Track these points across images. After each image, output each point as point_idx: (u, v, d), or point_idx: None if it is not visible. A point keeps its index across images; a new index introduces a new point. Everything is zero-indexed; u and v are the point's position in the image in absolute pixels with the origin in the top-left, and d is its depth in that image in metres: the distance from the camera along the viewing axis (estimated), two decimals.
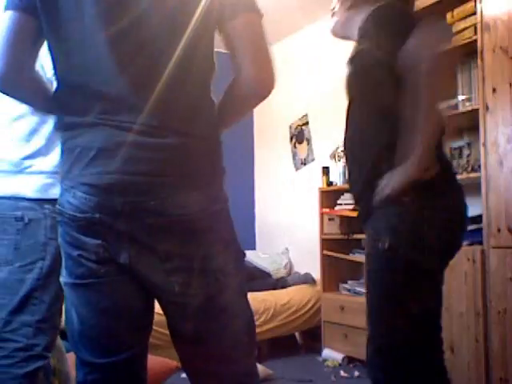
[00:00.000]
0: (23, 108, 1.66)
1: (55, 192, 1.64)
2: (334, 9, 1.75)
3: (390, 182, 1.47)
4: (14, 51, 1.17)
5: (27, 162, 1.65)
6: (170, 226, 1.11)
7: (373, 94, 1.55)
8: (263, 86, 1.15)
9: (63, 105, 1.18)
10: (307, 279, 4.24)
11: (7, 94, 1.26)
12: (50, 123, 1.66)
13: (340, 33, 1.76)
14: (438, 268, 1.57)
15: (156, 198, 1.09)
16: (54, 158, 1.65)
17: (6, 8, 1.19)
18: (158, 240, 1.12)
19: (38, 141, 1.65)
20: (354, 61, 1.63)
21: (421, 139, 1.43)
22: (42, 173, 1.64)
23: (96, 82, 1.11)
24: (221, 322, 1.19)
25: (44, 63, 1.66)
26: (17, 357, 1.58)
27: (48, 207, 1.63)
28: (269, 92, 1.15)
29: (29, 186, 1.63)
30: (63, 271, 1.23)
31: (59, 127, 1.20)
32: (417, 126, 1.43)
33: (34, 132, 1.66)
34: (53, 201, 1.63)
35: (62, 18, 1.13)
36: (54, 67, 1.19)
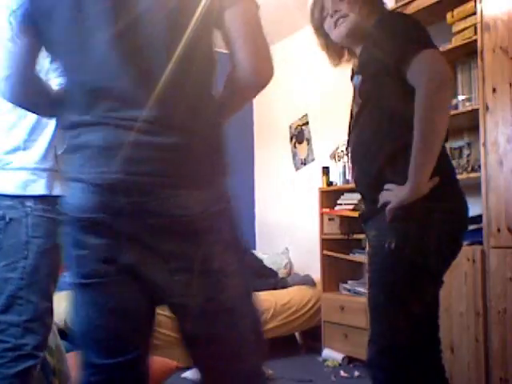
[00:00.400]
0: (3, 103, 1.66)
1: (37, 189, 1.64)
2: (335, 12, 1.68)
3: (391, 200, 1.49)
4: (19, 64, 1.23)
5: (8, 158, 1.64)
6: (172, 226, 1.10)
7: (382, 100, 1.55)
8: (260, 77, 1.15)
9: (65, 104, 1.18)
10: (307, 281, 4.23)
11: (13, 103, 1.30)
12: (29, 118, 1.65)
13: (346, 42, 1.73)
14: (442, 269, 1.58)
15: (157, 198, 1.09)
16: (34, 153, 1.64)
17: (9, 22, 1.22)
18: (160, 240, 1.11)
19: (18, 136, 1.64)
20: (362, 69, 1.64)
21: (419, 168, 1.44)
22: (23, 169, 1.63)
23: (98, 81, 1.11)
24: (224, 322, 1.18)
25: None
26: (6, 357, 1.58)
27: (30, 205, 1.62)
28: (266, 82, 1.15)
29: (9, 183, 1.62)
30: (69, 271, 1.23)
31: (62, 126, 1.21)
32: (416, 153, 1.45)
33: (13, 127, 1.65)
34: (34, 198, 1.63)
35: (60, 20, 1.13)
36: (56, 69, 1.20)
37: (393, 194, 1.49)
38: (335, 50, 1.80)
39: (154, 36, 1.09)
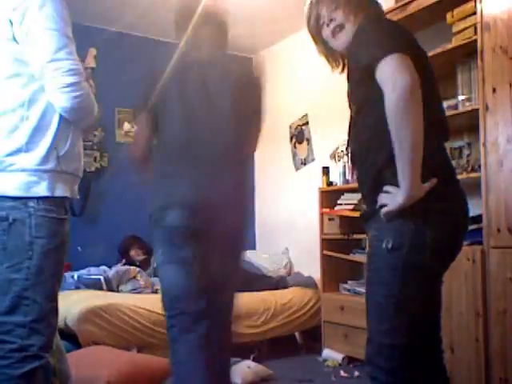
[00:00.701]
0: (4, 105, 1.66)
1: (39, 190, 1.63)
2: (331, 21, 1.68)
3: (388, 204, 1.49)
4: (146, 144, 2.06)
5: (9, 160, 1.63)
6: (223, 234, 1.95)
7: (374, 103, 1.55)
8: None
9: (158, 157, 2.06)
10: (309, 284, 4.22)
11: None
12: (31, 120, 1.64)
13: (345, 50, 1.73)
14: (440, 269, 1.58)
15: (218, 219, 1.92)
16: (36, 155, 1.64)
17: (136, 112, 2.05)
18: (218, 242, 1.95)
19: (20, 137, 1.64)
20: (350, 76, 1.64)
21: (406, 170, 1.44)
22: (24, 170, 1.63)
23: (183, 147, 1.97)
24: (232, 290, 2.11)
25: (27, 58, 1.66)
26: (12, 358, 1.58)
27: (32, 205, 1.62)
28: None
29: (11, 184, 1.62)
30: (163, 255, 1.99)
31: (156, 176, 2.03)
32: (397, 161, 1.45)
33: (15, 128, 1.64)
34: (37, 198, 1.63)
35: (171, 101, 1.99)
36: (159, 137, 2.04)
37: (390, 197, 1.49)
38: (335, 57, 1.80)
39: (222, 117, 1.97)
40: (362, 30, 1.60)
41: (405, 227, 1.49)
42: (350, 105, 1.68)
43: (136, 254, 4.36)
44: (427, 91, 1.47)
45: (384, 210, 1.50)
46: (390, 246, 1.49)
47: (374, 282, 1.56)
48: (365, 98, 1.59)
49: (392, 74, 1.43)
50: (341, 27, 1.67)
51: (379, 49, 1.47)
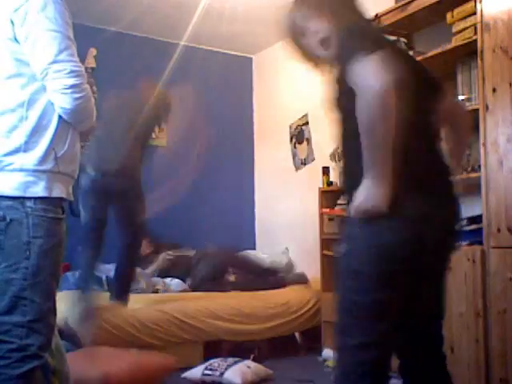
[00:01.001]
0: (4, 104, 1.66)
1: (36, 190, 1.63)
2: (316, 32, 1.68)
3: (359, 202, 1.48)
4: None
5: (7, 159, 1.63)
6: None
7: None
8: None
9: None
10: (301, 279, 4.26)
11: None
12: (30, 120, 1.64)
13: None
14: (398, 272, 1.49)
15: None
16: (35, 155, 1.64)
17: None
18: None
19: (19, 137, 1.63)
20: (334, 86, 1.62)
21: (374, 175, 1.43)
22: (22, 170, 1.62)
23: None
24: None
25: (28, 59, 1.66)
26: (11, 358, 1.57)
27: (30, 205, 1.61)
28: None
29: (9, 184, 1.62)
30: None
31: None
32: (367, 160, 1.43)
33: (14, 128, 1.64)
34: (35, 198, 1.63)
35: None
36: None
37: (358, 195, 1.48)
38: (316, 63, 1.80)
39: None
40: (341, 37, 1.58)
41: (359, 232, 1.48)
42: (334, 109, 1.64)
43: (145, 246, 4.29)
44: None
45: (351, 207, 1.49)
46: (343, 250, 1.49)
47: (339, 287, 1.53)
48: (350, 107, 1.56)
49: (362, 78, 1.37)
50: (327, 38, 1.66)
51: (349, 53, 1.43)
